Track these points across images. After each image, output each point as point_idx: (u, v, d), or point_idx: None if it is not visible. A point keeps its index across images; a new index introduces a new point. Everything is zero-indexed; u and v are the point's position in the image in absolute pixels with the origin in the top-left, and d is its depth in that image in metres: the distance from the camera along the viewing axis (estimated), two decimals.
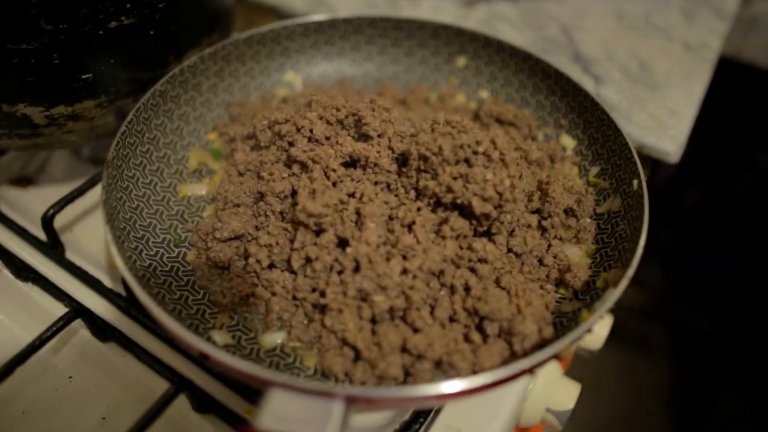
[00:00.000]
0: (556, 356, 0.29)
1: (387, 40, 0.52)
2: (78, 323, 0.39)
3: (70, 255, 0.44)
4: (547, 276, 0.38)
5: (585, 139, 0.45)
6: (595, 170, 0.44)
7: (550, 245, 0.39)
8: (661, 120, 0.50)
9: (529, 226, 0.39)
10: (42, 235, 0.44)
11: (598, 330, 0.49)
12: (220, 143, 0.46)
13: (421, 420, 0.35)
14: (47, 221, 0.42)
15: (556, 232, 0.39)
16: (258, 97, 0.50)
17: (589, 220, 0.41)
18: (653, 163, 0.52)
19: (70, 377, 0.39)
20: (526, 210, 0.40)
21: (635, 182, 0.38)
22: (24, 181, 0.51)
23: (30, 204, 0.48)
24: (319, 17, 0.51)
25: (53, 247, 0.43)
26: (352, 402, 0.27)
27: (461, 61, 0.51)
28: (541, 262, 0.38)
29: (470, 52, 0.51)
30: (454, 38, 0.51)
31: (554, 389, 0.45)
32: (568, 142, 0.46)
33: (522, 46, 0.48)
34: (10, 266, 0.42)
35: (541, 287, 0.37)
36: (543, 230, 0.40)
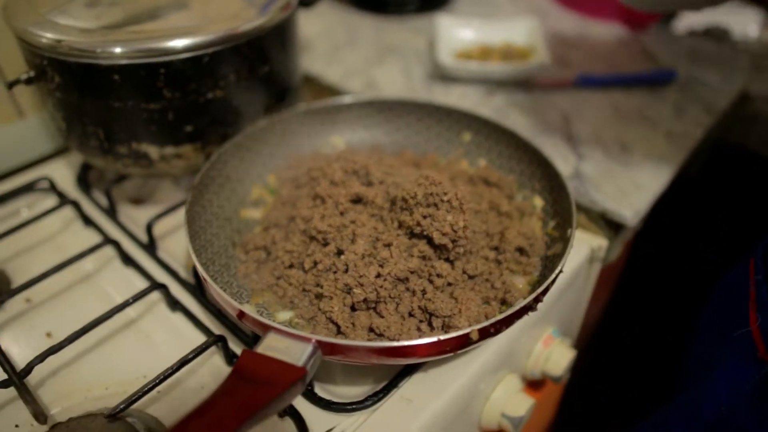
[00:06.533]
0: (467, 337, 0.41)
1: (413, 117, 0.67)
2: (156, 295, 0.56)
3: (160, 253, 0.61)
4: (495, 296, 0.50)
5: (550, 200, 0.57)
6: (552, 223, 0.55)
7: (501, 274, 0.51)
8: (625, 191, 0.61)
9: (486, 257, 0.51)
10: (144, 238, 0.62)
11: (558, 359, 0.59)
12: (275, 183, 0.62)
13: (383, 392, 0.47)
14: (149, 227, 0.60)
15: (508, 264, 0.51)
16: (309, 153, 0.66)
17: (537, 259, 0.52)
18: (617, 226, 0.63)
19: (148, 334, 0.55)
20: (487, 246, 0.52)
21: (568, 231, 0.50)
22: (138, 200, 0.70)
23: (140, 216, 0.67)
24: (363, 97, 0.67)
25: (150, 246, 0.61)
26: (320, 345, 0.40)
27: (467, 136, 0.66)
28: (492, 285, 0.50)
29: (474, 129, 0.65)
30: (462, 118, 0.65)
31: (511, 398, 0.55)
32: (538, 201, 0.58)
33: (510, 127, 0.61)
34: (121, 256, 0.60)
35: (487, 302, 0.49)
36: (498, 263, 0.52)
